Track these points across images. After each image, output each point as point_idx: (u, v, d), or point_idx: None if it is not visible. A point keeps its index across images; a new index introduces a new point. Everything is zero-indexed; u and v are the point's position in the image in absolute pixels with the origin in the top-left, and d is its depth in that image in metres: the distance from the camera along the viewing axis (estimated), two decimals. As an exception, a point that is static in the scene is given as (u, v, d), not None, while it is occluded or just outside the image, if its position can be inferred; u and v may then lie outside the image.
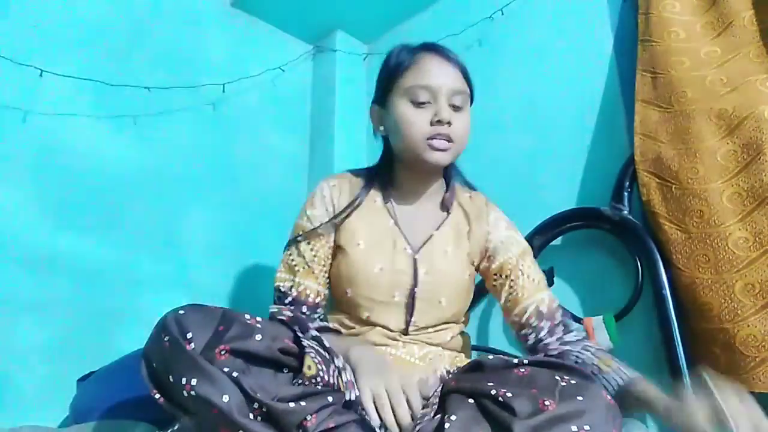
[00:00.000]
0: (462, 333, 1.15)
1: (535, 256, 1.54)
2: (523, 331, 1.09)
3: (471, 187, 1.23)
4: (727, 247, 1.19)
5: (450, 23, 2.00)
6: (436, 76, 1.04)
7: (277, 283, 1.12)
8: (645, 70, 1.44)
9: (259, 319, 0.85)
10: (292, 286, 1.09)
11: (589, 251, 1.53)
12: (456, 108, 1.05)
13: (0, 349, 1.40)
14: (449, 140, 1.04)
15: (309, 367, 0.81)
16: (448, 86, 1.04)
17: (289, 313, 1.03)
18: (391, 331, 1.06)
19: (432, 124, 1.03)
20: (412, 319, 1.06)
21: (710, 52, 1.38)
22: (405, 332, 1.06)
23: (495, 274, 1.13)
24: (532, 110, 1.76)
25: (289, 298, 1.09)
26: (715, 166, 1.25)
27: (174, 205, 1.81)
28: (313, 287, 1.10)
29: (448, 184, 1.18)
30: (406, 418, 0.82)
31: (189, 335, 0.79)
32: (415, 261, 1.08)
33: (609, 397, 0.79)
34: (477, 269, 1.16)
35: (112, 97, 1.70)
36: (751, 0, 1.36)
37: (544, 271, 1.51)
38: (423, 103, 1.04)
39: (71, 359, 1.47)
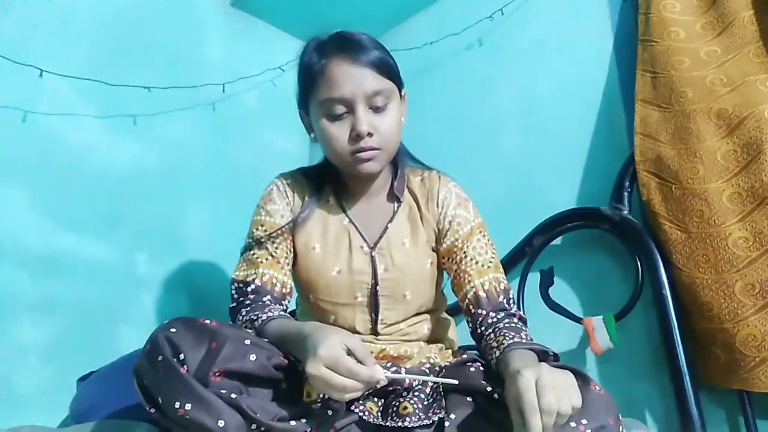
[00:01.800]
0: (440, 319, 1.13)
1: (534, 256, 1.56)
2: (466, 318, 1.05)
3: (424, 167, 1.17)
4: (727, 247, 1.19)
5: (450, 23, 2.00)
6: (348, 84, 0.97)
7: (234, 277, 1.05)
8: (645, 70, 1.44)
9: (250, 338, 0.84)
10: (255, 278, 1.02)
11: (589, 251, 1.53)
12: (377, 109, 0.99)
13: (0, 349, 1.40)
14: (374, 148, 0.99)
15: (308, 395, 0.81)
16: (363, 91, 0.97)
17: (248, 309, 0.97)
18: (360, 333, 1.03)
19: (352, 138, 0.98)
20: (379, 318, 1.03)
21: (710, 52, 1.38)
22: (375, 332, 1.04)
23: (443, 257, 1.09)
24: (532, 110, 1.76)
25: (252, 287, 1.01)
26: (715, 166, 1.25)
27: (174, 205, 1.81)
28: (279, 277, 1.04)
29: (397, 171, 1.13)
30: (353, 387, 0.75)
31: (182, 356, 0.78)
32: (373, 258, 1.05)
33: (599, 387, 0.80)
34: (436, 252, 1.11)
35: (112, 97, 1.70)
36: (751, 0, 1.36)
37: (543, 271, 1.53)
38: (340, 116, 0.99)
39: (71, 359, 1.48)
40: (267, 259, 1.04)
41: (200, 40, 2.00)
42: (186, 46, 1.95)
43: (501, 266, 1.09)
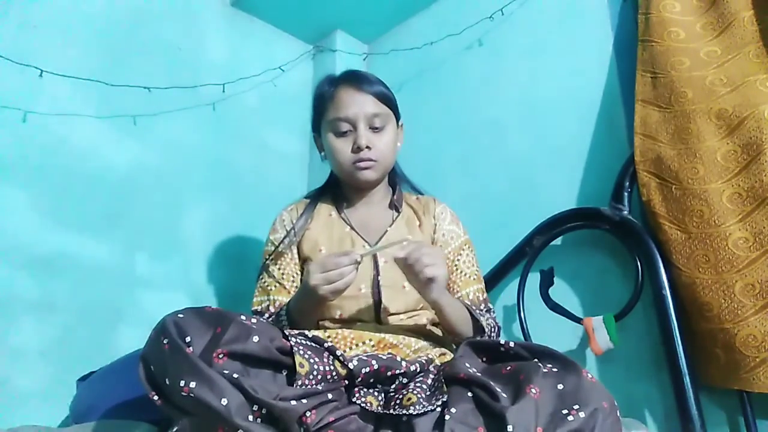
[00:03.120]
0: (437, 323, 1.18)
1: (535, 256, 1.56)
2: None
3: (419, 192, 1.35)
4: (727, 247, 1.19)
5: (450, 23, 2.00)
6: (352, 107, 1.19)
7: (253, 308, 1.22)
8: (645, 70, 1.44)
9: (254, 320, 0.86)
10: (268, 305, 1.19)
11: (589, 251, 1.53)
12: (376, 129, 1.20)
13: (0, 350, 1.40)
14: (372, 159, 1.19)
15: (301, 365, 0.82)
16: (364, 113, 1.19)
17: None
18: (365, 321, 1.13)
19: (353, 150, 1.19)
20: (382, 306, 1.13)
21: (710, 52, 1.38)
22: (378, 321, 1.13)
23: None
24: (532, 110, 1.76)
25: (266, 315, 1.18)
26: (715, 166, 1.25)
27: (174, 205, 1.81)
28: (286, 301, 1.18)
29: (395, 190, 1.30)
30: (347, 271, 0.99)
31: (188, 339, 0.80)
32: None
33: (590, 375, 0.82)
34: None
35: (112, 97, 1.70)
36: (751, 0, 1.36)
37: (543, 271, 1.53)
38: (345, 133, 1.20)
39: (71, 359, 1.47)
40: (275, 286, 1.21)
41: (200, 40, 2.00)
42: (186, 46, 1.95)
43: (482, 279, 1.28)
